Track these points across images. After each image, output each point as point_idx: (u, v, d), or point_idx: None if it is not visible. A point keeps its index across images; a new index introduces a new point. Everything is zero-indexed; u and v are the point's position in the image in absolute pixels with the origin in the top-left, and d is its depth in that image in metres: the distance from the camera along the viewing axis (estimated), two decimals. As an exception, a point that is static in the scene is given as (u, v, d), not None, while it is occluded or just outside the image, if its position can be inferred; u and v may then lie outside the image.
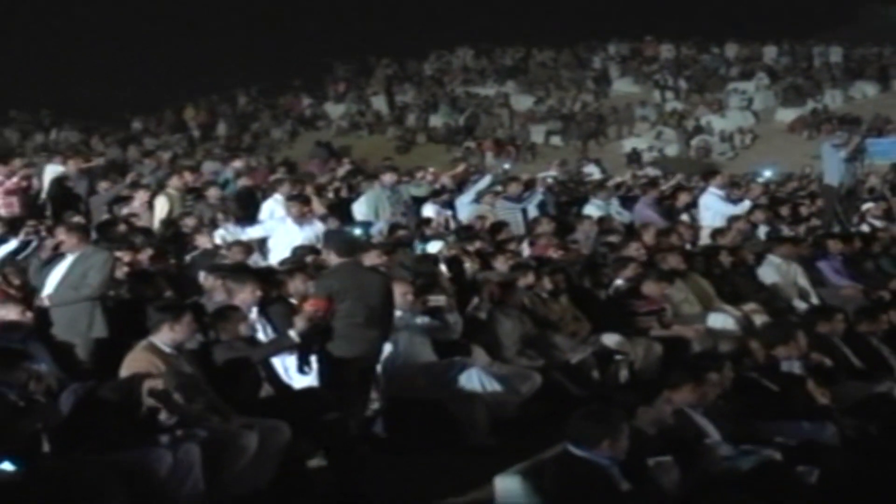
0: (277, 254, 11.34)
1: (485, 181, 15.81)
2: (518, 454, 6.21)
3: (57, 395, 6.33)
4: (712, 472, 5.89)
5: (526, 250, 12.29)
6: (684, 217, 15.02)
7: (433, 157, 30.65)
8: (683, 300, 10.76)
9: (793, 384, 7.26)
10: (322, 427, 6.84)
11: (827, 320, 8.79)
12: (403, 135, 37.58)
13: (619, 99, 38.90)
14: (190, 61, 40.21)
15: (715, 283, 11.33)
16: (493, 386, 8.25)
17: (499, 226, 13.44)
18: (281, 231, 11.87)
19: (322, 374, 7.67)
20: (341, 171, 20.06)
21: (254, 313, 8.08)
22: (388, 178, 14.87)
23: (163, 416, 6.23)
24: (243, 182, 16.00)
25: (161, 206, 13.42)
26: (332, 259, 8.12)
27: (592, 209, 15.01)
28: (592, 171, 26.46)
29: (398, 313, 8.29)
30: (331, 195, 16.38)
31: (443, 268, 10.40)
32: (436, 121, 38.65)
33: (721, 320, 10.56)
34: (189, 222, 12.51)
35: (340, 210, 14.65)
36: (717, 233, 13.32)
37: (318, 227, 11.91)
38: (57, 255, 8.48)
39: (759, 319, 10.53)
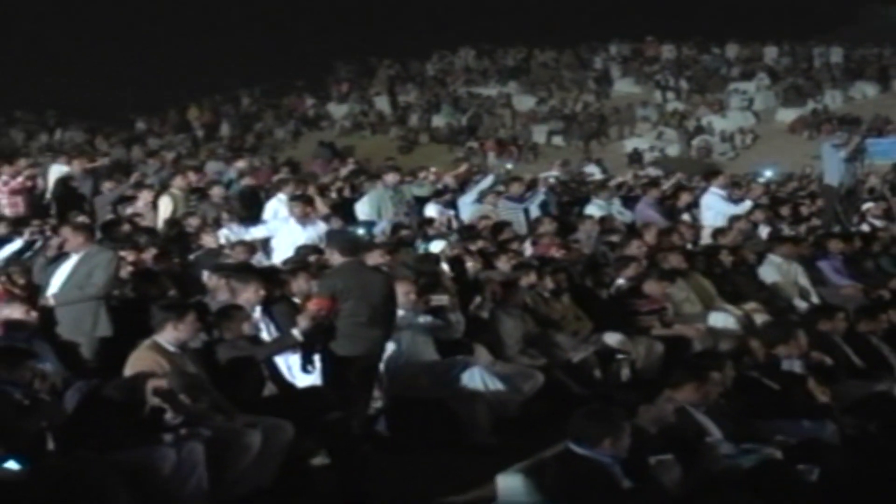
0: (281, 253, 11.35)
1: (487, 181, 15.84)
2: (520, 453, 6.22)
3: (61, 393, 6.35)
4: (713, 471, 5.88)
5: (528, 250, 12.30)
6: (685, 217, 15.04)
7: (436, 157, 30.64)
8: (684, 299, 10.79)
9: (793, 383, 7.27)
10: (325, 426, 6.86)
11: (828, 319, 8.82)
12: (406, 135, 37.60)
13: (621, 99, 38.86)
14: (194, 62, 40.22)
15: (716, 282, 11.36)
16: (496, 385, 8.27)
17: (501, 225, 13.44)
18: (284, 231, 11.87)
19: (325, 373, 7.69)
20: (344, 171, 20.12)
21: (257, 312, 8.11)
22: (391, 178, 14.87)
23: (167, 414, 6.25)
24: (247, 182, 16.00)
25: (165, 206, 13.42)
26: (336, 259, 8.16)
27: (594, 209, 15.01)
28: (594, 171, 26.40)
29: (401, 313, 8.31)
30: (334, 195, 16.40)
31: (445, 267, 10.41)
32: (438, 121, 38.64)
33: (722, 319, 10.59)
34: (193, 222, 12.51)
35: (343, 210, 14.67)
36: (718, 232, 13.33)
37: (321, 227, 11.94)
38: (61, 255, 8.52)
39: (760, 318, 10.57)
